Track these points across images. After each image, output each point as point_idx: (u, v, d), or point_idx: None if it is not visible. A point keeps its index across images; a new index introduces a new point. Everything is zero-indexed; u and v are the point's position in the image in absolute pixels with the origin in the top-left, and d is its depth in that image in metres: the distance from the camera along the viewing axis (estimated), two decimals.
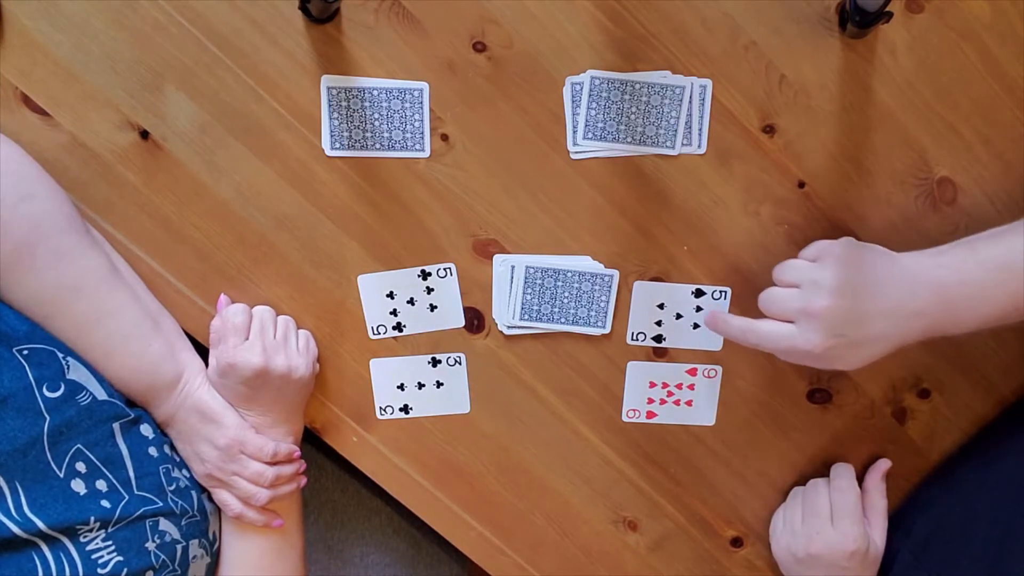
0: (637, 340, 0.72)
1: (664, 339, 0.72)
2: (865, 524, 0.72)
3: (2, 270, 0.57)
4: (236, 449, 0.65)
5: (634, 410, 0.75)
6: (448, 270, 0.70)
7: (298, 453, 0.69)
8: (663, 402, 0.74)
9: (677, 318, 0.72)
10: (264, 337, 0.66)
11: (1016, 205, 0.69)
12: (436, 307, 0.71)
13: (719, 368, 0.73)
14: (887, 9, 0.58)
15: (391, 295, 0.70)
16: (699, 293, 0.71)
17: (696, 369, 0.73)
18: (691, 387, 0.74)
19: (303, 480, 0.70)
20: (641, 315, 0.72)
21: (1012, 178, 0.68)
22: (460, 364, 0.72)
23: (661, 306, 0.71)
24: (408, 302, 0.71)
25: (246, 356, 0.64)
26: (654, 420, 0.75)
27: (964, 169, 0.68)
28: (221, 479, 0.66)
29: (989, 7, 0.64)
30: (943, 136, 0.67)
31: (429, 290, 0.70)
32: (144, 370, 0.63)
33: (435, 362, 0.72)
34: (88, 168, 0.64)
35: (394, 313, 0.71)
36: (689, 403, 0.74)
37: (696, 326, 0.72)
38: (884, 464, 0.74)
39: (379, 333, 0.71)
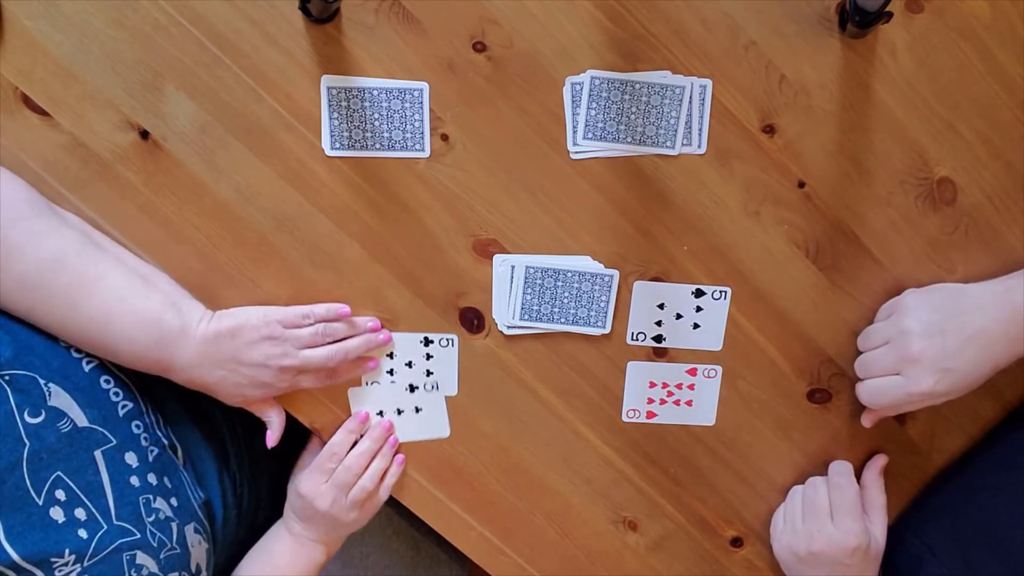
0: (637, 340, 0.72)
1: (664, 339, 0.72)
2: (865, 520, 0.72)
3: None
4: (277, 328, 0.65)
5: (634, 410, 0.75)
6: (450, 340, 0.71)
7: (345, 310, 0.68)
8: (663, 402, 0.74)
9: (677, 318, 0.72)
10: (340, 494, 0.71)
11: (1016, 205, 0.69)
12: (432, 372, 0.72)
13: (719, 368, 0.73)
14: (887, 9, 0.58)
15: (390, 355, 0.72)
16: (699, 293, 0.71)
17: (696, 369, 0.73)
18: (691, 387, 0.74)
19: (382, 335, 0.70)
20: (641, 315, 0.72)
21: (1012, 178, 0.68)
22: (437, 390, 0.73)
23: (661, 306, 0.71)
24: (406, 365, 0.72)
25: (317, 498, 0.70)
26: (654, 420, 0.75)
27: (964, 169, 0.68)
28: (293, 364, 0.65)
29: (989, 7, 0.64)
30: (943, 136, 0.67)
31: (429, 356, 0.72)
32: (149, 321, 0.61)
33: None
34: (88, 168, 0.64)
35: (391, 372, 0.72)
36: (689, 403, 0.74)
37: (696, 326, 0.72)
38: (881, 460, 0.74)
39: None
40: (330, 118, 0.65)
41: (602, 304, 0.71)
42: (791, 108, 0.66)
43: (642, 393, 0.74)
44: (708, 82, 0.66)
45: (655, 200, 0.69)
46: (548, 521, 0.78)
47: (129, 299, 0.61)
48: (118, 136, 0.64)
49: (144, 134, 0.64)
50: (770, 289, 0.71)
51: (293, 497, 0.73)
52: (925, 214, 0.69)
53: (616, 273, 0.70)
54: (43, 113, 0.63)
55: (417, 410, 0.73)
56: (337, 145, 0.66)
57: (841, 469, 0.74)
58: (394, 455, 0.74)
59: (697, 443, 0.76)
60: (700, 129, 0.67)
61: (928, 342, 0.63)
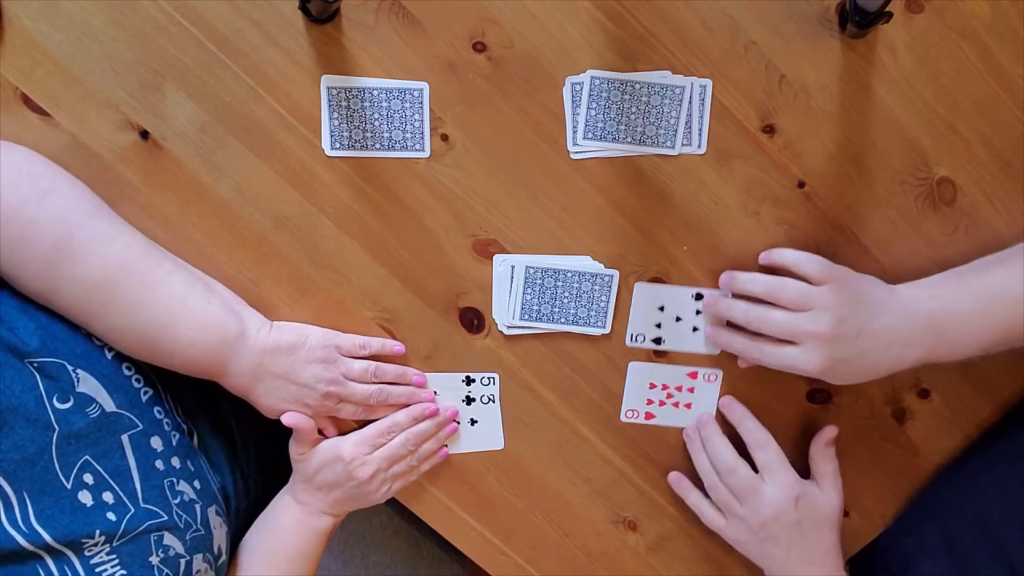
0: (636, 342, 0.72)
1: (663, 341, 0.72)
2: (795, 472, 0.72)
3: (47, 268, 0.57)
4: (333, 351, 0.67)
5: (633, 410, 0.75)
6: (491, 379, 0.72)
7: (399, 348, 0.70)
8: (662, 404, 0.74)
9: (677, 321, 0.72)
10: (384, 465, 0.70)
11: (1016, 205, 0.69)
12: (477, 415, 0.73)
13: (720, 372, 0.73)
14: (887, 9, 0.58)
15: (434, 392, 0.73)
16: (699, 297, 0.71)
17: (697, 373, 0.73)
18: (691, 390, 0.74)
19: (425, 393, 0.72)
20: (641, 317, 0.72)
21: (1012, 178, 0.68)
22: (493, 402, 0.74)
23: (661, 308, 0.71)
24: (464, 401, 0.74)
25: (360, 466, 0.69)
26: (652, 421, 0.75)
27: (964, 169, 0.68)
28: (338, 392, 0.67)
29: (989, 7, 0.64)
30: (943, 136, 0.67)
31: (470, 397, 0.73)
32: (211, 327, 0.63)
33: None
34: (88, 168, 0.64)
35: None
36: (688, 406, 0.74)
37: (695, 329, 0.72)
38: (830, 432, 0.73)
39: None
40: (330, 118, 0.65)
41: (602, 304, 0.71)
42: (791, 108, 0.66)
43: (642, 394, 0.74)
44: (708, 82, 0.66)
45: (655, 200, 0.69)
46: (548, 521, 0.78)
47: (192, 303, 0.62)
48: (118, 136, 0.64)
49: (144, 134, 0.64)
50: None
51: (322, 460, 0.71)
52: (925, 214, 0.69)
53: (616, 273, 0.70)
54: (43, 113, 0.63)
55: (473, 422, 0.74)
56: (337, 145, 0.66)
57: (750, 426, 0.72)
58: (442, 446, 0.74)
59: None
60: (700, 129, 0.67)
61: (840, 329, 0.62)
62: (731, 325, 0.69)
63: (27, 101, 0.62)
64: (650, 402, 0.74)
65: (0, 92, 0.62)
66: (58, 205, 0.58)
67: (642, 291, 0.71)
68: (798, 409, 0.75)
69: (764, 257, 0.68)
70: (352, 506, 0.74)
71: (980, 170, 0.68)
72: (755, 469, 0.72)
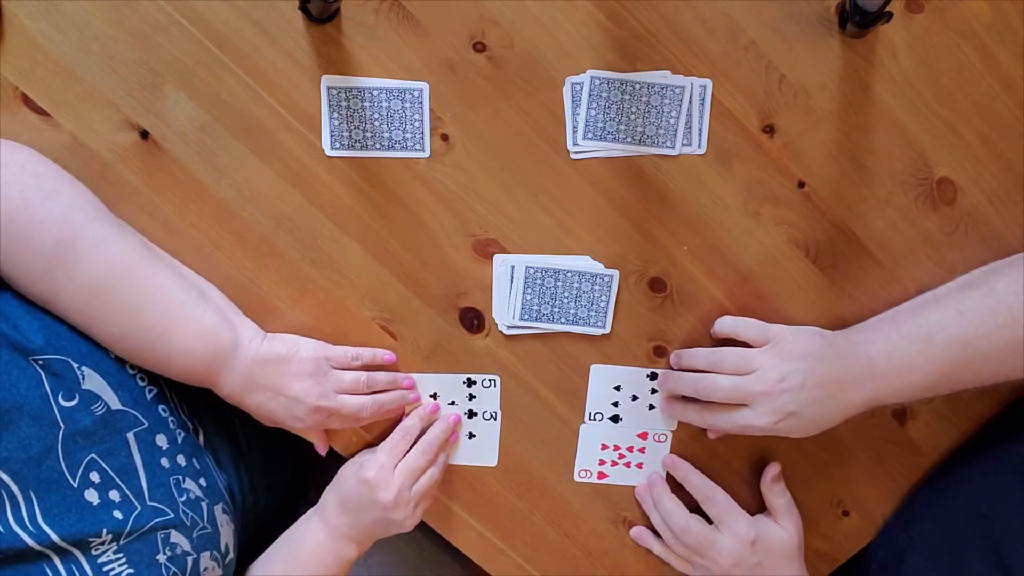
0: (595, 420, 0.74)
1: (621, 419, 0.74)
2: (771, 518, 0.74)
3: (49, 269, 0.57)
4: (324, 364, 0.67)
5: (585, 471, 0.76)
6: (493, 381, 0.72)
7: (390, 357, 0.70)
8: (614, 464, 0.76)
9: (633, 400, 0.73)
10: (407, 482, 0.69)
11: (1016, 205, 0.69)
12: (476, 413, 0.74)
13: (669, 432, 0.75)
14: (887, 9, 0.58)
15: (433, 396, 0.73)
16: (653, 376, 0.72)
17: (647, 433, 0.75)
18: (641, 450, 0.75)
19: (412, 395, 0.72)
20: (598, 397, 0.73)
21: (1012, 178, 0.68)
22: (495, 420, 0.74)
23: (617, 388, 0.73)
24: (450, 404, 0.74)
25: (383, 486, 0.68)
26: (604, 481, 0.76)
27: (964, 169, 0.68)
28: (328, 406, 0.66)
29: (989, 7, 0.64)
30: (943, 136, 0.67)
31: (471, 396, 0.73)
32: (207, 335, 0.63)
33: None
34: (88, 168, 0.64)
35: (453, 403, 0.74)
36: (640, 465, 0.76)
37: (651, 407, 0.74)
38: (773, 469, 0.74)
39: None
40: (330, 118, 0.65)
41: (602, 304, 0.71)
42: (791, 108, 0.66)
43: (594, 455, 0.75)
44: (708, 82, 0.66)
45: (655, 200, 0.69)
46: (548, 521, 0.78)
47: (189, 309, 0.62)
48: (118, 136, 0.64)
49: (144, 134, 0.64)
50: (770, 289, 0.71)
51: (351, 483, 0.70)
52: (925, 214, 0.69)
53: (616, 273, 0.70)
54: (43, 113, 0.63)
55: (471, 436, 0.74)
56: (337, 145, 0.66)
57: (697, 481, 0.74)
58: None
59: (694, 442, 0.76)
60: (700, 129, 0.67)
61: (785, 385, 0.63)
62: (685, 398, 0.71)
63: (27, 101, 0.63)
64: (602, 462, 0.75)
65: (0, 92, 0.62)
66: (61, 206, 0.58)
67: (598, 372, 0.72)
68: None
69: (713, 331, 0.71)
70: (380, 533, 0.73)
71: (980, 170, 0.68)
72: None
